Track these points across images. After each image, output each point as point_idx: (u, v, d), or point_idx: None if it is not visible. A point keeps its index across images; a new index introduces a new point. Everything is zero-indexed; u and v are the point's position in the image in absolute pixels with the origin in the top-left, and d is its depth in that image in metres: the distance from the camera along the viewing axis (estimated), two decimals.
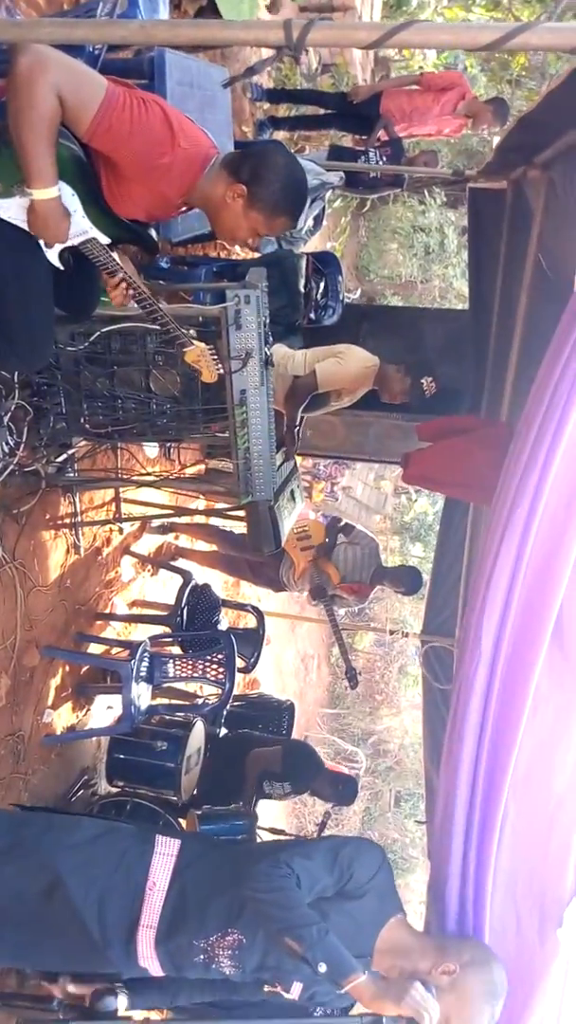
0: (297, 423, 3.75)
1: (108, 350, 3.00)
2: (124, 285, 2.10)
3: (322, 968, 1.71)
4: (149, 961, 1.98)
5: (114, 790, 3.99)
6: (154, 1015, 2.49)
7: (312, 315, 4.74)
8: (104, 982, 1.97)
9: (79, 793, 3.86)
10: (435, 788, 3.94)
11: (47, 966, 2.25)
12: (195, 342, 2.55)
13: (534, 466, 1.72)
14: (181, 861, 2.02)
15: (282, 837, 4.71)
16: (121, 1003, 1.89)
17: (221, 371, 2.69)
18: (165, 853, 2.03)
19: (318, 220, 5.16)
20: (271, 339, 2.98)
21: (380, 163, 5.33)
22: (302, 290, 4.47)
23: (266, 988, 1.95)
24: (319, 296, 4.70)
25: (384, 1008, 1.72)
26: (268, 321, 2.88)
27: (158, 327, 2.41)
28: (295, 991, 1.82)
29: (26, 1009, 2.61)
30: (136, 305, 2.28)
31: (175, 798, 3.88)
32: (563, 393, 1.73)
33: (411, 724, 11.92)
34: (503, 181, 3.91)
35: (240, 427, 2.94)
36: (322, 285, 4.70)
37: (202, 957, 1.95)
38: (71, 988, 2.10)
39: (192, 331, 2.88)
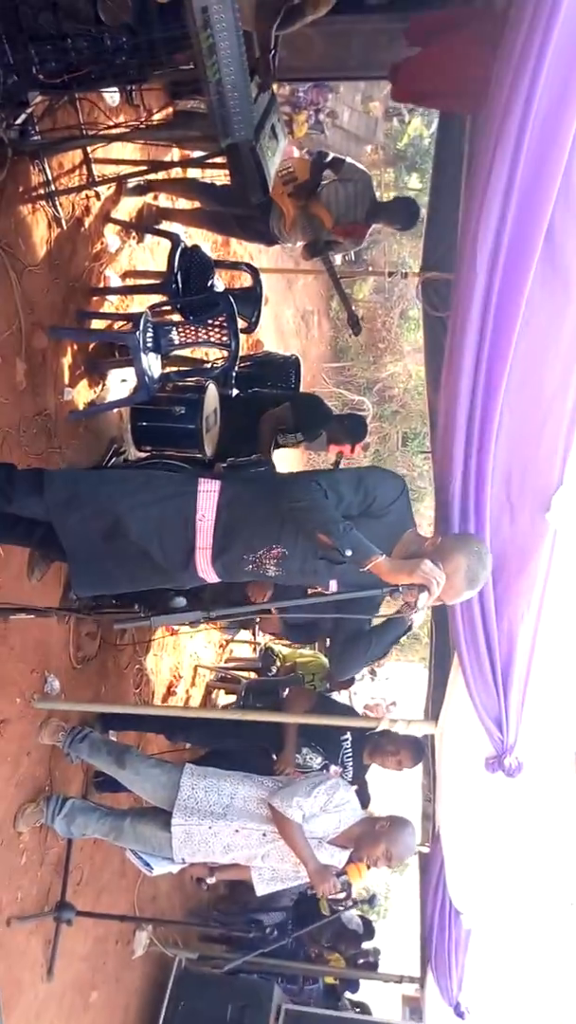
0: (272, 45, 3.32)
1: None
2: None
3: (348, 553, 2.08)
4: (207, 573, 2.38)
5: (143, 455, 4.30)
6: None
7: None
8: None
9: (112, 460, 4.18)
10: (437, 413, 4.19)
11: (122, 590, 2.69)
12: None
13: (524, 69, 1.59)
14: (223, 497, 2.34)
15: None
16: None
17: None
18: (209, 491, 2.34)
19: None
20: None
21: None
22: None
23: (309, 591, 2.37)
24: None
25: (400, 579, 2.10)
26: None
27: None
28: (332, 586, 2.20)
29: (115, 614, 3.16)
30: None
31: (200, 455, 4.19)
32: None
33: (414, 368, 12.17)
34: None
35: (208, 55, 2.64)
36: None
37: (251, 567, 2.34)
38: None
39: None
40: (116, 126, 3.48)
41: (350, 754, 3.73)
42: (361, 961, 5.96)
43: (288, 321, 11.16)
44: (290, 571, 2.33)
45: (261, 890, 3.08)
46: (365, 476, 2.29)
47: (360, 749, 3.72)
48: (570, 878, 3.52)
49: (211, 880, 3.19)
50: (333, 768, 3.67)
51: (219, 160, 3.69)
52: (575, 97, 1.52)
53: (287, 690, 4.18)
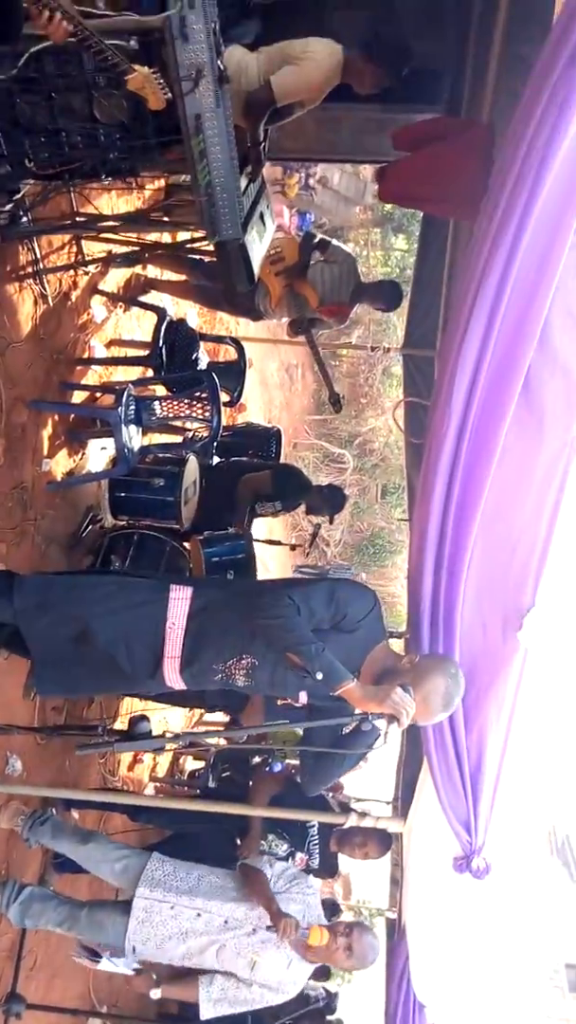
0: (261, 139, 3.40)
1: (42, 74, 2.65)
2: (57, 17, 1.82)
3: (319, 676, 2.07)
4: (175, 682, 2.35)
5: (120, 523, 4.29)
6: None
7: None
8: None
9: (88, 529, 4.17)
10: (415, 490, 4.23)
11: (85, 694, 2.65)
12: (136, 67, 2.26)
13: (517, 203, 1.64)
14: (195, 604, 2.32)
15: (282, 544, 5.19)
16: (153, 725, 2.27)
17: (169, 95, 2.42)
18: (180, 598, 2.32)
19: None
20: (223, 48, 2.62)
21: None
22: None
23: (279, 702, 2.35)
24: None
25: (370, 707, 2.09)
26: (218, 26, 2.50)
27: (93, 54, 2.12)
28: (302, 698, 2.19)
29: (77, 736, 3.11)
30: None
31: (177, 527, 4.20)
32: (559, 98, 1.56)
33: (394, 423, 12.33)
34: None
35: (199, 159, 2.70)
36: None
37: (220, 677, 2.32)
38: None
39: (132, 41, 2.53)
40: (107, 218, 3.53)
41: (316, 841, 3.68)
42: None
43: (272, 374, 11.28)
44: (259, 682, 2.31)
45: (207, 1012, 2.93)
46: (337, 590, 2.27)
47: (327, 837, 3.67)
48: (536, 978, 3.47)
49: (156, 994, 3.07)
50: (299, 856, 3.61)
51: (208, 245, 3.76)
52: (556, 255, 1.57)
53: (251, 779, 4.12)
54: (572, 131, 1.53)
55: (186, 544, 4.31)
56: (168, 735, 2.20)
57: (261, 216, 3.55)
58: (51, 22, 1.84)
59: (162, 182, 4.86)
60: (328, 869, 3.81)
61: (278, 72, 3.34)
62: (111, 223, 3.54)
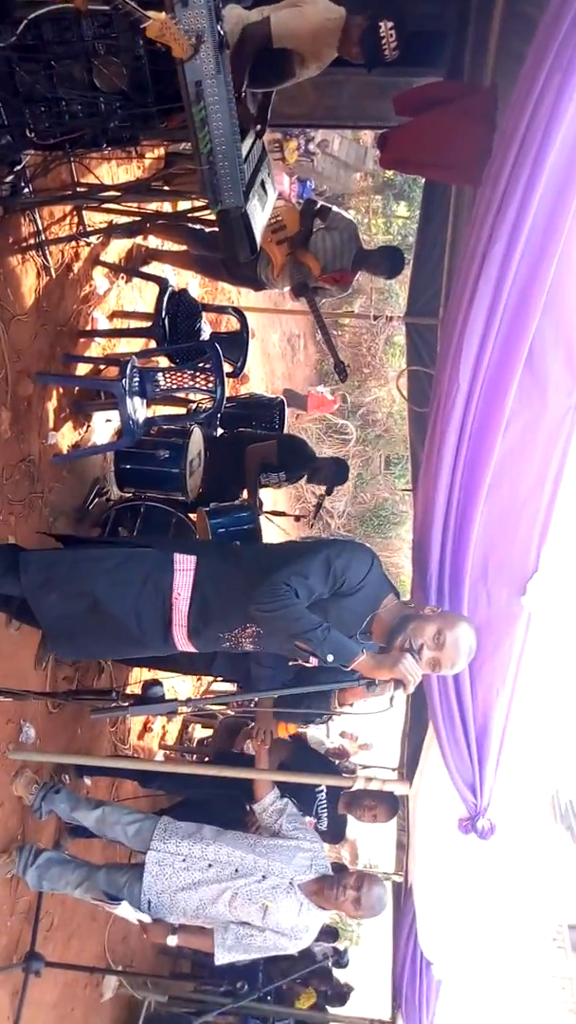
0: (244, 84, 3.36)
1: (41, 42, 2.62)
2: None
3: (330, 658, 2.09)
4: (186, 646, 2.40)
5: (126, 495, 4.31)
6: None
7: None
8: None
9: (95, 501, 4.19)
10: (419, 460, 4.24)
11: (101, 657, 2.69)
12: (150, 14, 2.22)
13: (521, 172, 1.63)
14: (199, 574, 2.34)
15: (286, 515, 5.22)
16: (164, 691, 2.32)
17: (193, 41, 2.37)
18: (184, 569, 2.34)
19: None
20: (223, 10, 2.59)
21: None
22: None
23: (289, 663, 2.38)
24: None
25: (381, 674, 2.13)
26: None
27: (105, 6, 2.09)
28: (312, 661, 2.21)
29: (92, 700, 3.16)
30: None
31: (183, 498, 4.22)
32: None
33: (398, 393, 12.29)
34: None
35: (200, 127, 2.67)
36: None
37: (228, 644, 2.36)
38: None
39: None
40: (108, 188, 3.51)
41: (325, 805, 3.75)
42: (331, 994, 5.95)
43: (275, 345, 11.23)
44: (267, 647, 2.35)
45: (221, 957, 3.01)
46: (332, 559, 2.24)
47: (335, 800, 3.74)
48: (539, 936, 3.56)
49: (172, 940, 3.15)
50: (308, 819, 3.68)
51: (209, 215, 3.73)
52: (561, 221, 1.57)
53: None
54: None
55: (192, 515, 4.34)
56: (180, 700, 2.24)
57: (263, 184, 3.52)
58: None
59: (162, 151, 4.82)
60: (336, 833, 3.89)
61: (278, 11, 3.30)
62: (112, 193, 3.51)
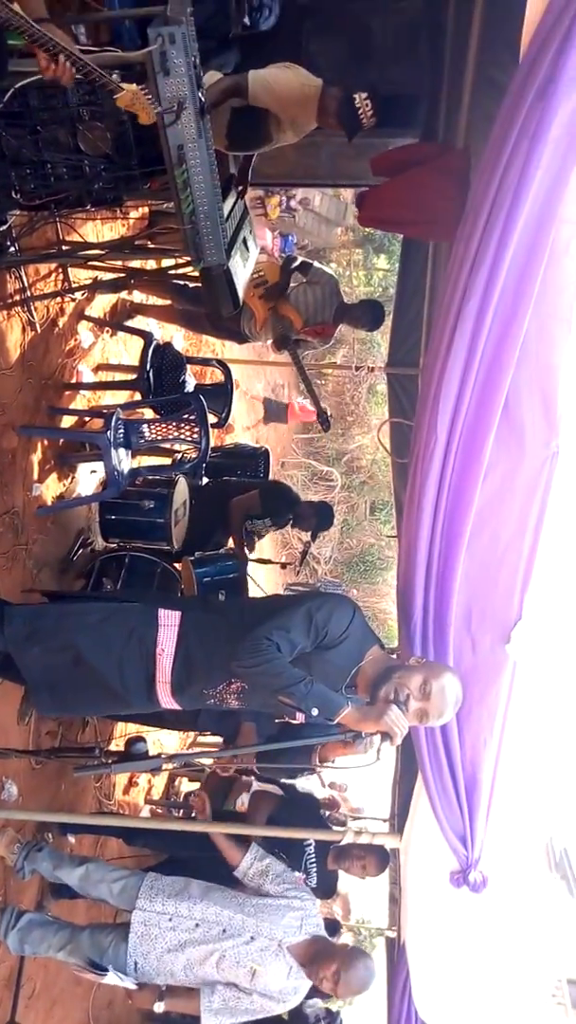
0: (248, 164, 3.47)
1: (27, 109, 2.71)
2: (62, 60, 1.88)
3: (315, 712, 2.07)
4: (170, 704, 2.37)
5: (111, 546, 4.31)
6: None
7: (247, 20, 4.14)
8: None
9: (79, 552, 4.19)
10: (403, 506, 4.28)
11: (83, 714, 2.66)
12: (123, 85, 2.31)
13: (495, 226, 1.68)
14: (183, 629, 2.33)
15: (273, 563, 5.22)
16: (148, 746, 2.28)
17: (159, 110, 2.46)
18: (168, 624, 2.33)
19: None
20: (204, 78, 2.69)
21: None
22: None
23: (276, 720, 2.36)
24: None
25: (367, 726, 2.12)
26: (198, 59, 2.57)
27: (80, 77, 2.18)
28: (300, 717, 2.19)
29: (75, 758, 3.11)
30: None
31: (168, 547, 4.22)
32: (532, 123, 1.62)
33: (380, 443, 12.42)
34: None
35: (182, 189, 2.75)
36: None
37: (213, 701, 2.34)
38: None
39: (115, 75, 2.59)
40: (92, 246, 3.59)
41: (314, 860, 3.68)
42: None
43: (259, 394, 11.33)
44: (251, 703, 2.33)
45: (208, 1021, 2.91)
46: (314, 611, 2.23)
47: (324, 854, 3.67)
48: (538, 992, 3.48)
49: (160, 1007, 3.05)
50: (297, 875, 3.60)
51: (192, 271, 3.82)
52: (532, 276, 1.62)
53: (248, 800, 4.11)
54: (544, 161, 1.59)
55: (177, 565, 4.33)
56: (164, 755, 2.21)
57: (244, 241, 3.61)
58: (58, 66, 1.91)
59: (145, 210, 4.94)
60: (326, 889, 3.80)
61: (257, 71, 3.43)
62: (97, 251, 3.59)
